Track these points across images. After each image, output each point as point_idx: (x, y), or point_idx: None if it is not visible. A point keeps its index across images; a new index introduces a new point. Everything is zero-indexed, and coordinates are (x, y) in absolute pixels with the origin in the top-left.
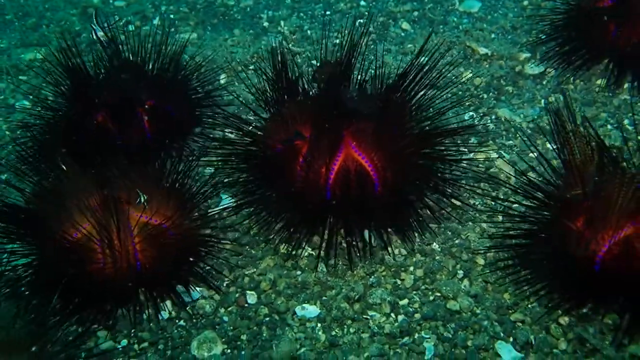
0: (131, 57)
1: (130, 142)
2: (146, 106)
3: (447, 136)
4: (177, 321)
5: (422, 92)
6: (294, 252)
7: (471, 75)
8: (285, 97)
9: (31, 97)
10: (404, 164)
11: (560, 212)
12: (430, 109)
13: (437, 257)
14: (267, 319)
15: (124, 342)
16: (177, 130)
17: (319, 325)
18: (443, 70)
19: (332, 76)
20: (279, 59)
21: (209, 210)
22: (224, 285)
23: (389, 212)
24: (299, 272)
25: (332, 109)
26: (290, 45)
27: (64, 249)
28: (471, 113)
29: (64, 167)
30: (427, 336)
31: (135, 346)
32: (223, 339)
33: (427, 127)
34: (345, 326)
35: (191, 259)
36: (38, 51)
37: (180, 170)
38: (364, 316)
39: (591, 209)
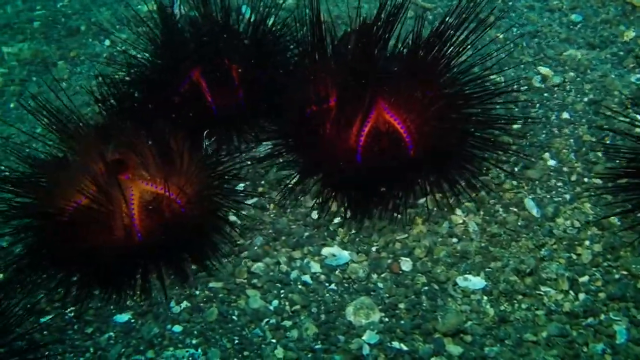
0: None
1: (222, 106)
2: (240, 70)
3: (488, 98)
4: (327, 284)
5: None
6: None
7: (634, 34)
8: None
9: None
10: (441, 126)
11: None
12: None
13: (619, 233)
14: (426, 287)
15: (275, 302)
16: (267, 103)
17: (485, 298)
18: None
19: (364, 37)
20: (315, 14)
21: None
22: (373, 249)
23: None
24: (455, 240)
25: (363, 69)
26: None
27: (63, 219)
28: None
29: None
30: (617, 318)
31: (287, 308)
32: (380, 306)
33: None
34: (516, 301)
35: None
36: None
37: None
38: (537, 292)
39: None
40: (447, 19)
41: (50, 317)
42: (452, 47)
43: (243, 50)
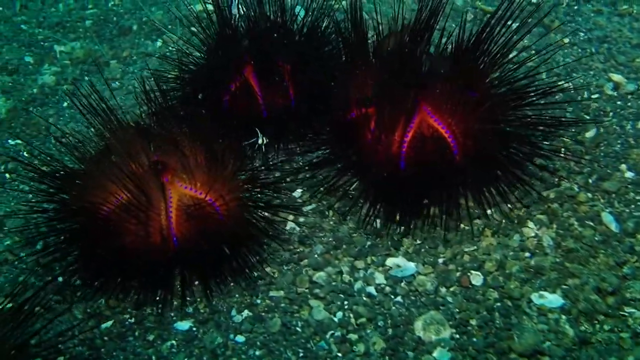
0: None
1: (272, 106)
2: (292, 70)
3: (538, 98)
4: (393, 297)
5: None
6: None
7: None
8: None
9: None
10: (486, 130)
11: None
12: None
13: None
14: (498, 304)
15: (339, 314)
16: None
17: (564, 317)
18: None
19: (405, 38)
20: (357, 14)
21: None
22: (440, 261)
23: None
24: (528, 254)
25: (405, 71)
26: (478, 2)
27: (98, 219)
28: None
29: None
30: None
31: (352, 320)
32: (450, 322)
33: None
34: (597, 322)
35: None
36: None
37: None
38: (621, 312)
39: None
40: (496, 14)
41: (110, 322)
42: (499, 45)
43: (296, 51)
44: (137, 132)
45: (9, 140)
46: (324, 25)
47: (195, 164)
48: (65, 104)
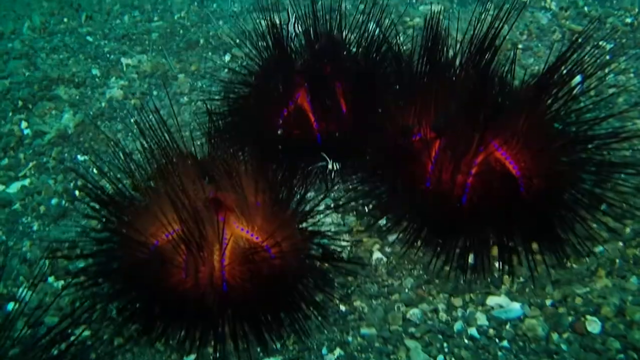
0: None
1: (327, 133)
2: (348, 93)
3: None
4: (498, 341)
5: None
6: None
7: None
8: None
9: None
10: (555, 169)
11: None
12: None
13: None
14: (621, 355)
15: (441, 357)
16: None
17: None
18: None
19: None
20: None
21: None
22: (548, 303)
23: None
24: None
25: (474, 100)
26: (563, 21)
27: (143, 255)
28: None
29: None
30: None
31: None
32: None
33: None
34: None
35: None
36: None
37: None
38: None
39: None
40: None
41: (194, 356)
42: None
43: (353, 72)
44: (195, 161)
45: (78, 156)
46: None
47: (254, 203)
48: (133, 120)
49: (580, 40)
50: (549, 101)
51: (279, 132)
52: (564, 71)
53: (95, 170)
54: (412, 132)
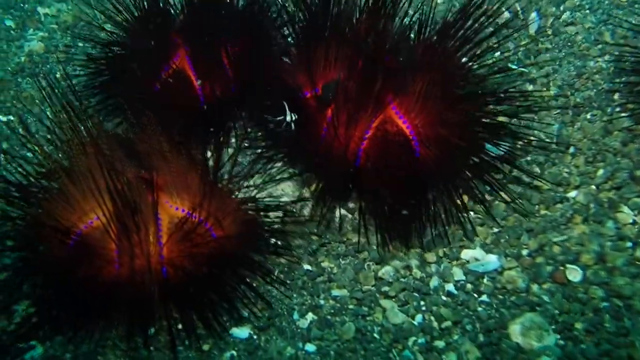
0: None
1: (210, 96)
2: (231, 49)
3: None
4: (477, 296)
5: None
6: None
7: None
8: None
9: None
10: (451, 132)
11: None
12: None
13: None
14: (606, 303)
15: (419, 317)
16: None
17: None
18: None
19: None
20: None
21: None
22: (524, 253)
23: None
24: (629, 244)
25: (373, 59)
26: None
27: (68, 245)
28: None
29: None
30: None
31: (435, 324)
32: (552, 326)
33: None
34: None
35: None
36: None
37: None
38: None
39: None
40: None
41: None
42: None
43: (236, 27)
44: (116, 138)
45: (0, 117)
46: None
47: (185, 179)
48: (58, 75)
49: None
50: (456, 55)
51: (157, 95)
52: (471, 19)
53: (21, 131)
54: (304, 90)
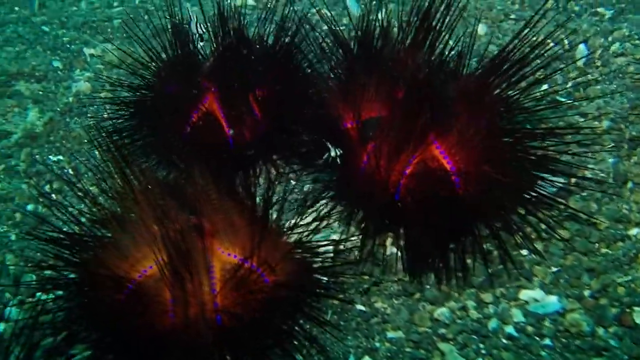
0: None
1: (241, 139)
2: (259, 93)
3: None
4: (538, 338)
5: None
6: None
7: None
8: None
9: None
10: (495, 168)
11: None
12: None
13: None
14: None
15: None
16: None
17: None
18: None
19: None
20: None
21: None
22: (586, 294)
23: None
24: None
25: (415, 93)
26: None
27: (123, 294)
28: None
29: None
30: None
31: None
32: None
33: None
34: None
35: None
36: None
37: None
38: None
39: None
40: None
41: None
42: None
43: (265, 67)
44: (160, 185)
45: (50, 157)
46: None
47: (235, 225)
48: (105, 114)
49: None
50: (501, 89)
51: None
52: (517, 54)
53: (71, 171)
54: (344, 122)
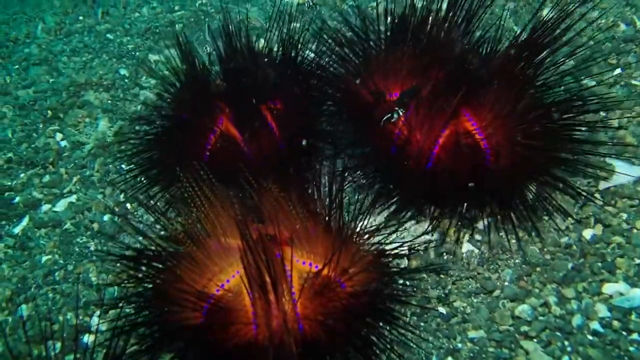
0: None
1: (260, 155)
2: (273, 105)
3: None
4: (625, 334)
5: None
6: None
7: None
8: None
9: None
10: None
11: None
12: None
13: None
14: None
15: (566, 359)
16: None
17: None
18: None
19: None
20: None
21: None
22: None
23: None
24: None
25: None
26: None
27: (203, 309)
28: None
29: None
30: None
31: None
32: None
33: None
34: None
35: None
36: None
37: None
38: None
39: None
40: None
41: None
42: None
43: (275, 80)
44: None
45: (123, 166)
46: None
47: (308, 232)
48: None
49: None
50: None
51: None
52: (549, 32)
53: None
54: (382, 97)
